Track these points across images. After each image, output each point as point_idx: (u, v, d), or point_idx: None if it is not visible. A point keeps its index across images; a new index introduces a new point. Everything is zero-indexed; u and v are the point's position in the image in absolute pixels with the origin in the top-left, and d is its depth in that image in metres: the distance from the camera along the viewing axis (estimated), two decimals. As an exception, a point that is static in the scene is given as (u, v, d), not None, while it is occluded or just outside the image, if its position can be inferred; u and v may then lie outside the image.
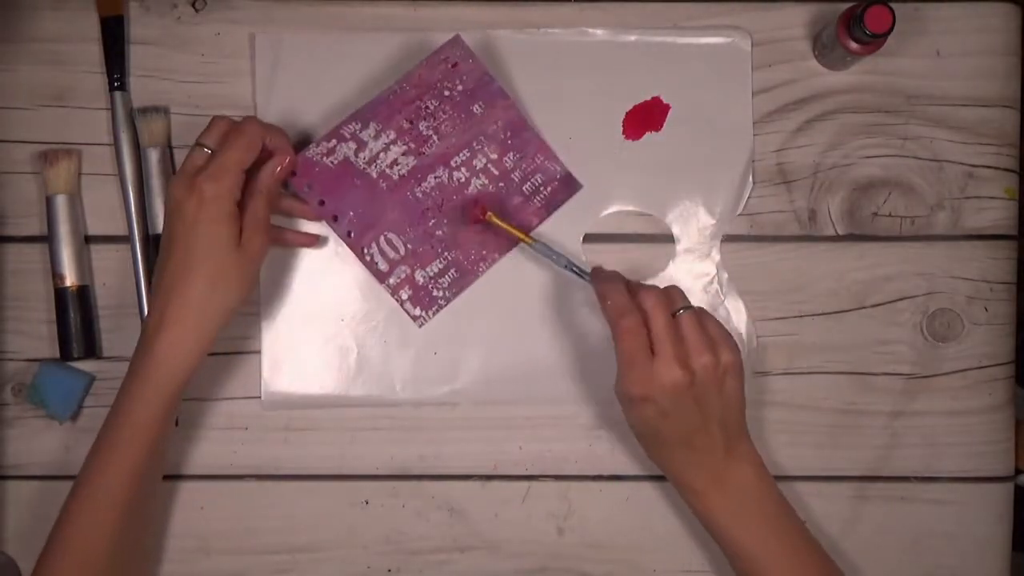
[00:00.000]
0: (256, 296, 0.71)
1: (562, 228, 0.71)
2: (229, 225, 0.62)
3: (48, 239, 0.69)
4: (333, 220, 0.69)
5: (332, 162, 0.68)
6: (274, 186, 0.65)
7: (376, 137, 0.68)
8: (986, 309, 0.71)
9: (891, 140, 0.71)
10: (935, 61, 0.71)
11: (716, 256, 0.71)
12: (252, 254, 0.63)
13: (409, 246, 0.70)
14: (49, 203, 0.69)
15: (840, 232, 0.71)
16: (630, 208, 0.71)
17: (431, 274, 0.70)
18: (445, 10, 0.71)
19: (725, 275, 0.71)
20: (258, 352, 0.71)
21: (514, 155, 0.70)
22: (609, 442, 0.71)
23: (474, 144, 0.69)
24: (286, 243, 0.70)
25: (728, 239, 0.71)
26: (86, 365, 0.71)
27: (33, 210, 0.71)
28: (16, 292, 0.71)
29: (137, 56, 0.71)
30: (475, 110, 0.69)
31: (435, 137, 0.69)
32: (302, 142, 0.70)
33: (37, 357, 0.71)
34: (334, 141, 0.68)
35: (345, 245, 0.70)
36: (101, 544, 0.61)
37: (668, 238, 0.71)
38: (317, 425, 0.71)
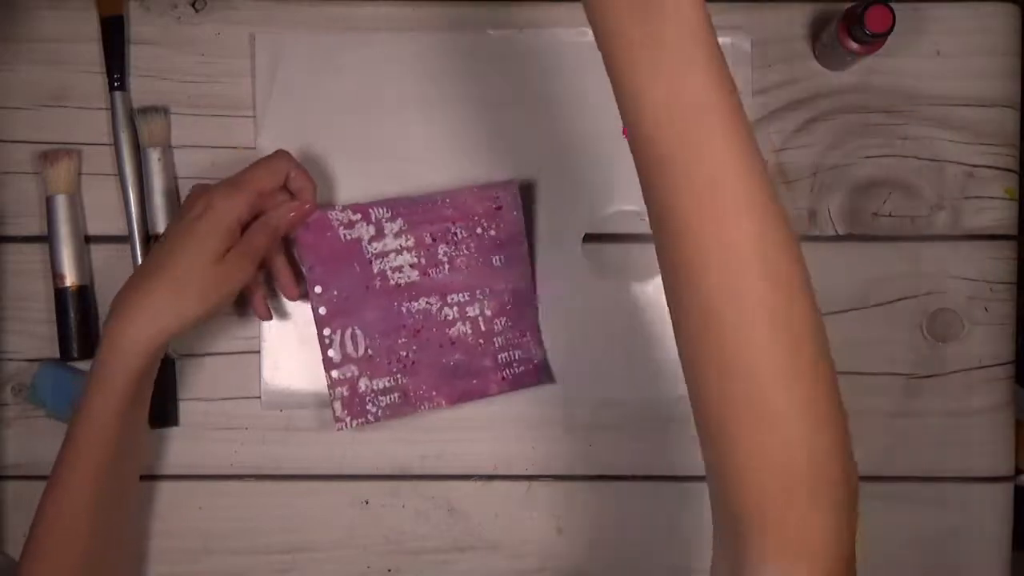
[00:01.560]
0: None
1: (562, 228, 0.71)
2: (218, 239, 0.61)
3: (48, 239, 0.69)
4: (314, 290, 0.67)
5: (345, 235, 0.67)
6: (283, 226, 0.65)
7: (396, 236, 0.67)
8: (986, 309, 0.71)
9: (891, 140, 0.71)
10: (935, 61, 0.71)
11: None
12: (228, 276, 0.62)
13: (370, 351, 0.68)
14: (49, 203, 0.69)
15: (840, 232, 0.71)
16: (631, 207, 0.71)
17: (375, 388, 0.68)
18: (444, 10, 0.71)
19: None
20: (258, 352, 0.71)
21: (506, 321, 0.69)
22: (609, 442, 0.71)
23: (477, 292, 0.69)
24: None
25: (728, 239, 0.71)
26: (86, 365, 0.70)
27: (33, 210, 0.71)
28: (16, 292, 0.71)
29: (137, 56, 0.71)
30: (495, 262, 0.68)
31: (447, 266, 0.68)
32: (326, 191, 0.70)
33: (37, 357, 0.71)
34: (359, 215, 0.67)
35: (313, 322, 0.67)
36: (75, 545, 0.60)
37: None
38: (317, 425, 0.71)
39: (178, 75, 0.71)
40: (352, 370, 0.67)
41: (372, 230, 0.67)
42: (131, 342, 0.60)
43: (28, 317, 0.71)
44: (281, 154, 0.65)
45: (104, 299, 0.71)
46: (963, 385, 0.71)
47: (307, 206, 0.65)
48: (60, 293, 0.69)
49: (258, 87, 0.71)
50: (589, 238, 0.71)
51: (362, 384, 0.68)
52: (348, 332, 0.67)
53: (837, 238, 0.71)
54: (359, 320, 0.68)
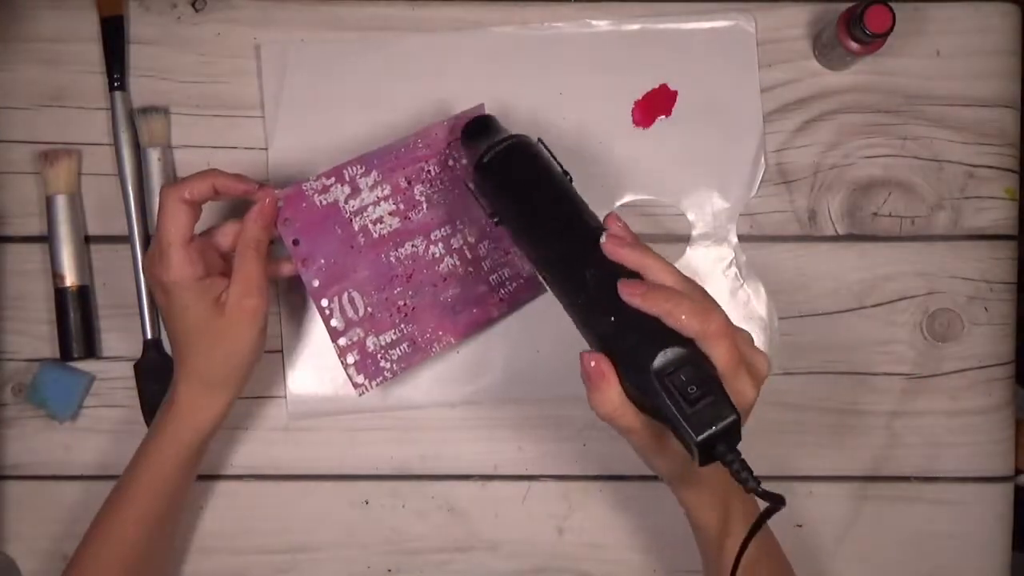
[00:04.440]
0: (277, 307, 0.71)
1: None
2: (196, 302, 0.60)
3: (48, 239, 0.69)
4: (301, 264, 0.65)
5: (321, 201, 0.65)
6: (261, 233, 0.62)
7: (372, 188, 0.66)
8: (986, 309, 0.71)
9: (891, 140, 0.71)
10: (935, 61, 0.71)
11: (733, 239, 0.71)
12: (242, 315, 0.60)
13: (369, 309, 0.67)
14: (49, 203, 0.69)
15: (840, 232, 0.71)
16: (644, 196, 0.71)
17: (383, 343, 0.67)
18: (444, 10, 0.71)
19: (743, 258, 0.71)
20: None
21: (488, 244, 0.69)
22: (607, 442, 0.71)
23: (457, 223, 0.68)
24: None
25: (728, 239, 0.71)
26: (86, 365, 0.71)
27: (33, 210, 0.71)
28: (16, 292, 0.71)
29: (137, 56, 0.71)
30: (471, 186, 0.66)
31: (425, 205, 0.68)
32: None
33: (37, 357, 0.71)
34: (333, 179, 0.65)
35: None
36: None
37: (684, 224, 0.71)
38: (317, 425, 0.71)
39: (178, 75, 0.71)
40: (357, 333, 0.67)
41: (347, 189, 0.66)
42: (198, 408, 0.63)
43: (28, 317, 0.71)
44: (165, 190, 0.60)
45: (104, 299, 0.71)
46: (963, 385, 0.71)
47: (267, 201, 0.62)
48: (60, 293, 0.69)
49: (266, 97, 0.71)
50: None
51: (370, 343, 0.67)
52: (345, 297, 0.66)
53: (837, 238, 0.71)
54: (353, 282, 0.67)
